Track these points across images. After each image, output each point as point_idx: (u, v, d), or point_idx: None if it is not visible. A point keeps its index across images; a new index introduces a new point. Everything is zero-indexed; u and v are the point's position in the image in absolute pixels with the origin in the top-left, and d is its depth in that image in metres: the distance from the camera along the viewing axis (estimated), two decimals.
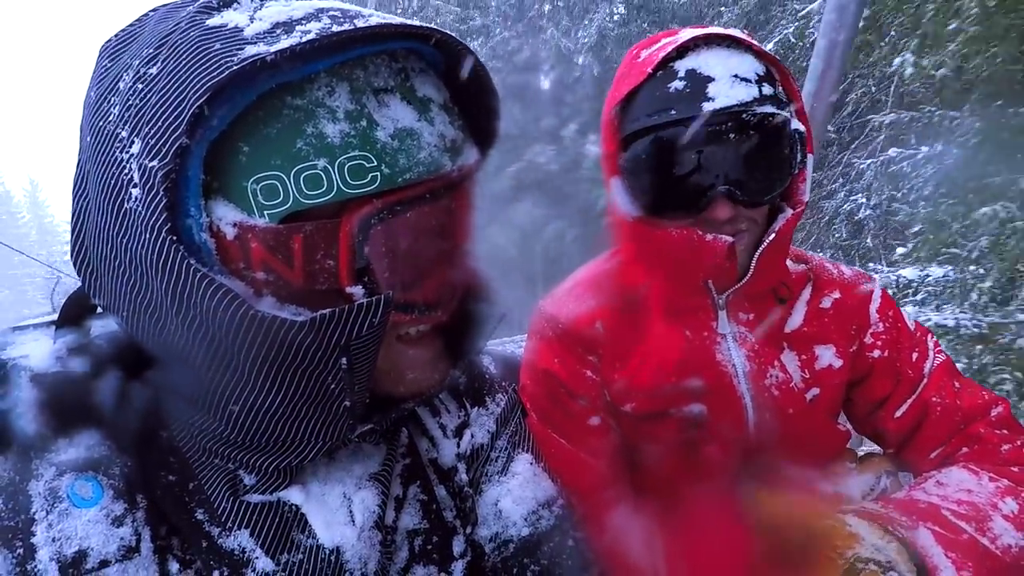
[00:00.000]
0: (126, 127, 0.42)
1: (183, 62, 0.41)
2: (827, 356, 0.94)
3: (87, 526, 0.44)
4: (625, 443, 0.98)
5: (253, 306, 0.42)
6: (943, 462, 0.90)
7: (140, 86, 0.42)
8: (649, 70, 0.81)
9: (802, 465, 0.96)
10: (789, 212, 0.87)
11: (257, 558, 0.49)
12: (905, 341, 0.96)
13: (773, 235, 0.85)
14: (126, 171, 0.42)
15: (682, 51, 0.82)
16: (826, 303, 0.96)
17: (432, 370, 0.54)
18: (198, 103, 0.39)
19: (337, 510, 0.52)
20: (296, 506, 0.51)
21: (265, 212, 0.44)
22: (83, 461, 0.47)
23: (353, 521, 0.52)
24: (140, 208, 0.42)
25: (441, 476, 0.61)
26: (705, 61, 0.80)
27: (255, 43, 0.41)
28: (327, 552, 0.50)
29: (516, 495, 0.65)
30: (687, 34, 0.82)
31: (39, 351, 0.51)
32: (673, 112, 0.80)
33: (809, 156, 0.87)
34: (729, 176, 0.80)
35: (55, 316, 0.55)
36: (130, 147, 0.42)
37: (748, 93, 0.78)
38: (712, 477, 0.94)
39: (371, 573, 0.52)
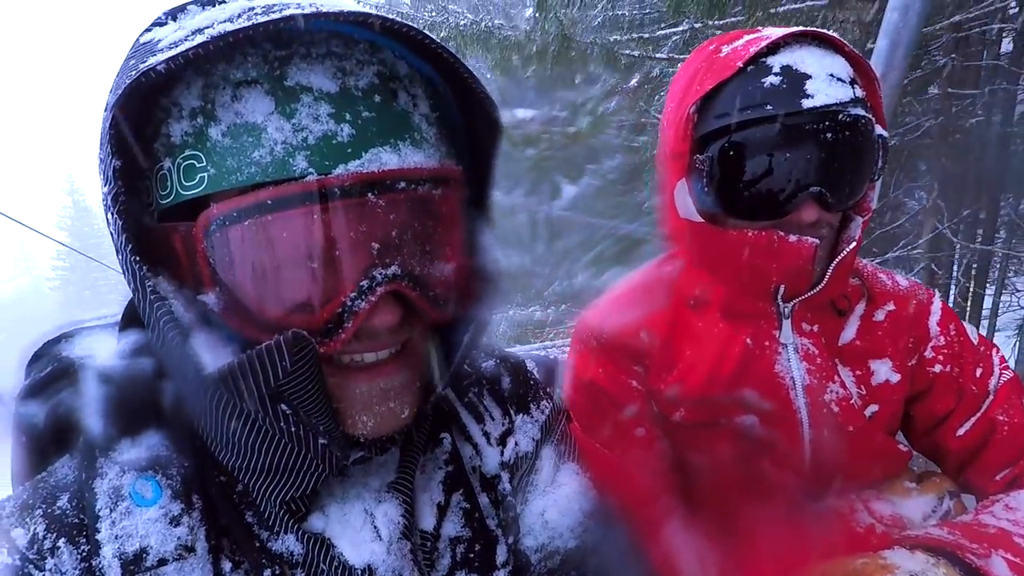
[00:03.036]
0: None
1: (114, 84, 0.43)
2: (883, 371, 0.90)
3: (147, 525, 0.46)
4: (675, 455, 0.96)
5: (186, 341, 0.42)
6: (1010, 484, 0.86)
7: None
8: (739, 64, 0.78)
9: (859, 484, 0.92)
10: (860, 220, 0.84)
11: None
12: (968, 355, 0.91)
13: (854, 243, 0.82)
14: (103, 202, 0.44)
15: (773, 48, 0.79)
16: (880, 316, 0.92)
17: (386, 406, 0.48)
18: (109, 122, 0.41)
19: (361, 528, 0.51)
20: (319, 533, 0.50)
21: (149, 211, 0.45)
22: (144, 461, 0.48)
23: (380, 536, 0.51)
24: (112, 230, 0.44)
25: (484, 484, 0.61)
26: (800, 58, 0.77)
27: (161, 52, 0.41)
28: (359, 572, 0.49)
29: (562, 506, 0.64)
30: (775, 31, 0.80)
31: (104, 350, 0.53)
32: (769, 108, 0.76)
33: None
34: (819, 178, 0.77)
35: (117, 316, 0.57)
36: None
37: (844, 93, 0.76)
38: (765, 493, 0.91)
39: None
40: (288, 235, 0.41)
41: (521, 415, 0.66)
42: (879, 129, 0.79)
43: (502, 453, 0.63)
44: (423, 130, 0.46)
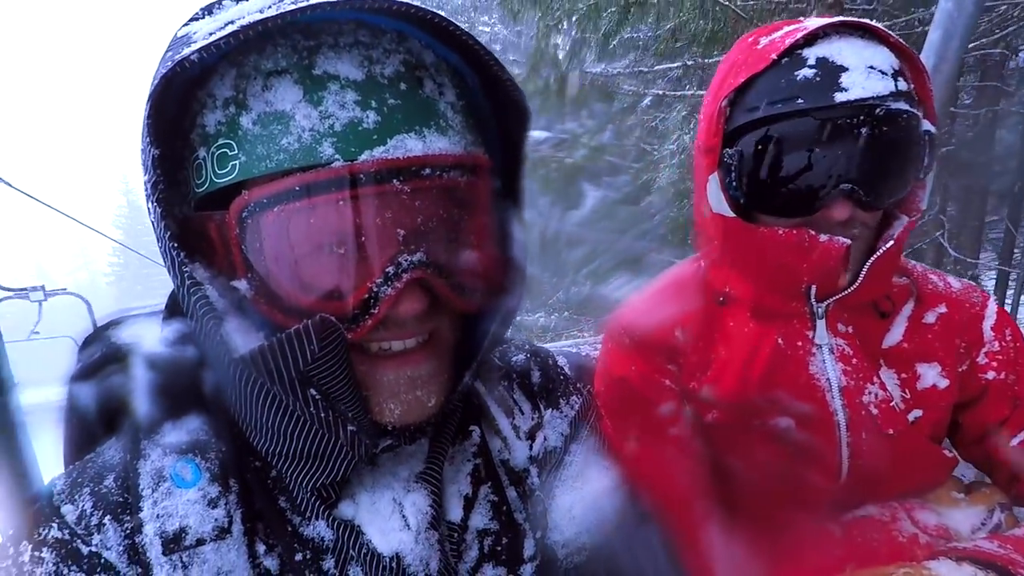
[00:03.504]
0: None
1: (153, 76, 0.44)
2: (931, 375, 0.86)
3: (186, 506, 0.47)
4: (710, 458, 0.94)
5: (221, 326, 0.43)
6: None
7: None
8: (774, 56, 0.76)
9: (902, 492, 0.88)
10: (904, 220, 0.80)
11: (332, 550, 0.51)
12: None
13: (891, 242, 0.79)
14: (144, 192, 0.46)
15: (811, 39, 0.76)
16: (930, 318, 0.88)
17: (414, 395, 0.49)
18: (148, 112, 0.42)
19: (390, 517, 0.52)
20: (349, 520, 0.51)
21: (187, 200, 0.47)
22: (185, 444, 0.50)
23: (408, 525, 0.51)
24: (152, 218, 0.45)
25: (513, 478, 0.61)
26: (838, 49, 0.74)
27: (194, 43, 0.42)
28: (387, 560, 0.50)
29: (591, 502, 0.63)
30: (815, 22, 0.77)
31: (149, 337, 0.55)
32: (801, 102, 0.73)
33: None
34: (853, 175, 0.74)
35: (162, 306, 0.59)
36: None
37: (884, 87, 0.72)
38: (801, 499, 0.88)
39: (434, 573, 0.51)
40: (314, 221, 0.42)
41: (551, 410, 0.66)
42: (926, 124, 0.76)
43: (531, 447, 0.63)
44: (449, 117, 0.46)
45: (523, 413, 0.64)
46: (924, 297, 0.89)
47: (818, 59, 0.74)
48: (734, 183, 0.81)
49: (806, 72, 0.74)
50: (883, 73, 0.73)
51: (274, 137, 0.42)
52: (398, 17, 0.46)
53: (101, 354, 0.56)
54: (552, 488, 0.64)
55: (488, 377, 0.65)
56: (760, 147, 0.77)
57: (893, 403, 0.84)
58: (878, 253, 0.79)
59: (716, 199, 0.83)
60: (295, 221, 0.42)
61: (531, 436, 0.63)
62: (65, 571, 0.45)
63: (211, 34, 0.42)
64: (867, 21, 0.76)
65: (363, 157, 0.41)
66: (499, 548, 0.57)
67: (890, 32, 0.76)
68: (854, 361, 0.85)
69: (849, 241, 0.76)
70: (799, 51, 0.76)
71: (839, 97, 0.72)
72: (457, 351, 0.53)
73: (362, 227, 0.43)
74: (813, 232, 0.77)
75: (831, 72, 0.73)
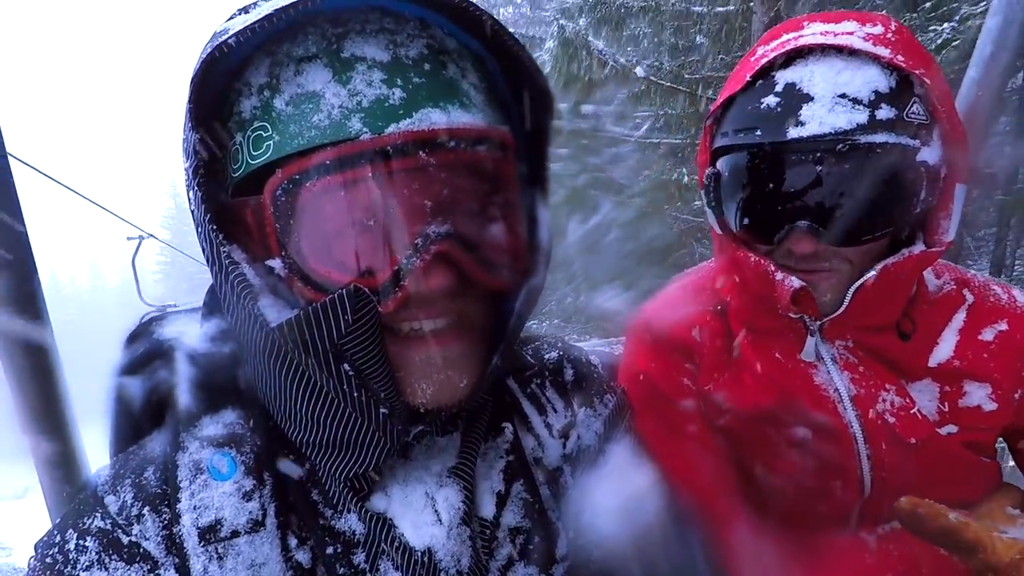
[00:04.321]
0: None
1: (194, 68, 0.46)
2: (978, 395, 0.80)
3: (222, 498, 0.48)
4: (734, 456, 0.91)
5: (256, 301, 0.44)
6: None
7: None
8: (748, 78, 0.73)
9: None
10: (916, 249, 0.74)
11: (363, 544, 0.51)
12: None
13: (873, 276, 0.73)
14: (184, 179, 0.48)
15: (791, 58, 0.72)
16: (987, 335, 0.81)
17: (446, 375, 0.49)
18: (189, 102, 0.44)
19: (423, 511, 0.52)
20: (381, 513, 0.51)
21: (224, 188, 0.48)
22: (221, 437, 0.51)
23: (440, 520, 0.51)
24: (193, 207, 0.46)
25: (546, 476, 0.60)
26: (810, 73, 0.69)
27: (227, 35, 0.44)
28: (419, 554, 0.50)
29: (626, 501, 0.62)
30: (807, 33, 0.72)
31: (190, 333, 0.57)
32: (758, 133, 0.71)
33: (959, 188, 0.73)
34: (812, 210, 0.70)
35: (200, 302, 0.61)
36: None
37: (850, 120, 0.67)
38: (826, 511, 0.84)
39: (465, 569, 0.51)
40: (343, 194, 0.43)
41: (584, 408, 0.65)
42: (924, 154, 0.69)
43: (564, 446, 0.62)
44: (472, 96, 0.48)
45: (556, 411, 0.64)
46: (982, 311, 0.83)
47: (786, 85, 0.71)
48: (712, 202, 0.80)
49: (770, 100, 0.71)
50: (856, 103, 0.67)
51: (305, 115, 0.43)
52: (420, 3, 0.47)
53: (145, 349, 0.58)
54: (587, 487, 0.63)
55: (520, 375, 0.64)
56: (727, 172, 0.76)
57: (914, 410, 0.80)
58: (858, 283, 0.74)
59: (708, 212, 0.83)
60: (325, 195, 0.43)
61: (564, 434, 0.63)
62: (107, 560, 0.46)
63: (247, 25, 0.44)
64: (873, 29, 0.70)
65: (390, 130, 0.43)
66: (531, 547, 0.56)
67: (888, 48, 0.68)
68: (861, 369, 0.81)
69: (798, 284, 0.74)
70: (773, 73, 0.72)
71: (792, 133, 0.68)
72: (486, 335, 0.52)
73: (389, 199, 0.44)
74: (773, 268, 0.75)
75: (793, 102, 0.69)
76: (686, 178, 5.34)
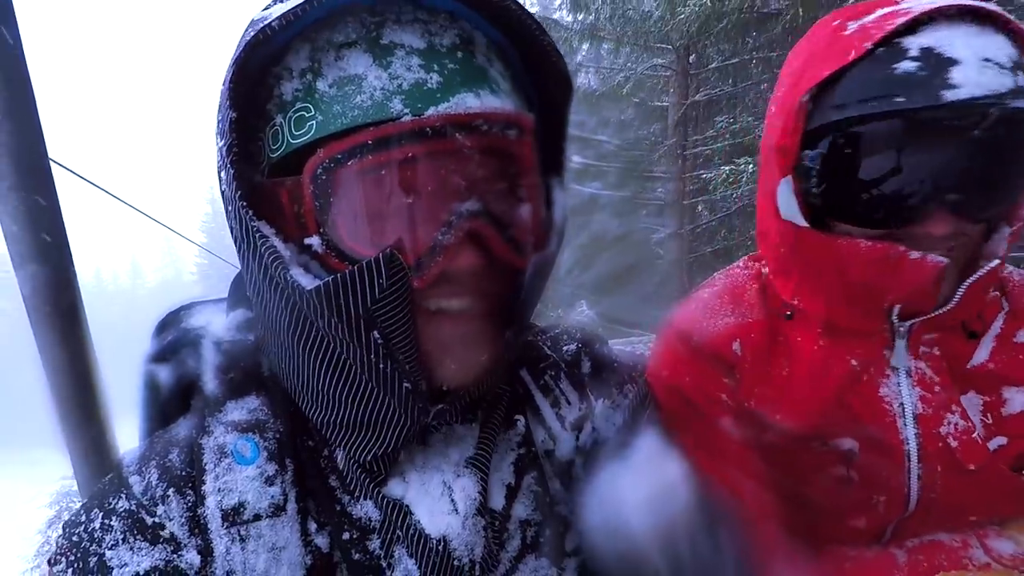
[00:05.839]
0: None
1: (234, 51, 0.48)
2: (1019, 401, 0.76)
3: (245, 482, 0.50)
4: (769, 476, 0.88)
5: (288, 271, 0.45)
6: None
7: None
8: (868, 46, 0.66)
9: (978, 523, 0.80)
10: (1007, 230, 0.71)
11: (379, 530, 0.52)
12: None
13: (996, 260, 0.69)
14: (217, 160, 0.49)
15: (912, 26, 0.66)
16: (1022, 336, 0.78)
17: (469, 353, 0.50)
18: (228, 82, 0.45)
19: (439, 499, 0.52)
20: (399, 499, 0.52)
21: (259, 170, 0.49)
22: (245, 423, 0.52)
23: (456, 509, 0.52)
24: (225, 187, 0.48)
25: (558, 469, 0.60)
26: (947, 39, 0.64)
27: (264, 22, 0.45)
28: (434, 542, 0.50)
29: (650, 494, 0.60)
30: (917, 3, 0.67)
31: (217, 322, 0.59)
32: (900, 99, 0.64)
33: None
34: (958, 184, 0.65)
35: (224, 295, 0.63)
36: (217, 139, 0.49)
37: (1002, 83, 0.62)
38: (855, 523, 0.81)
39: (478, 559, 0.52)
40: (384, 173, 0.45)
41: (602, 400, 0.64)
42: None
43: (577, 438, 0.62)
44: (499, 83, 0.49)
45: (570, 403, 0.63)
46: (1019, 312, 0.79)
47: (922, 50, 0.64)
48: (814, 188, 0.72)
49: (907, 65, 0.64)
50: (1000, 67, 0.63)
51: (348, 96, 0.45)
52: None
53: (173, 338, 0.60)
54: (604, 479, 0.62)
55: (534, 366, 0.64)
56: (848, 150, 0.68)
57: (975, 434, 0.76)
58: (982, 271, 0.69)
59: (787, 205, 0.75)
60: (366, 173, 0.45)
61: (578, 427, 0.62)
62: (131, 540, 0.47)
63: (288, 9, 0.45)
64: (982, 3, 0.66)
65: (429, 112, 0.44)
66: (541, 540, 0.56)
67: (1010, 17, 0.66)
68: (936, 388, 0.77)
69: (946, 260, 0.67)
70: (898, 40, 0.66)
71: (948, 96, 0.62)
72: (504, 312, 0.53)
73: (426, 178, 0.45)
74: (903, 247, 0.67)
75: (938, 66, 0.63)
76: None
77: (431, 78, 0.45)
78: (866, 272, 0.71)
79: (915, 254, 0.67)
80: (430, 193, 0.45)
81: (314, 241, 0.46)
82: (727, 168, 6.69)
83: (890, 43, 0.66)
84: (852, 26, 0.71)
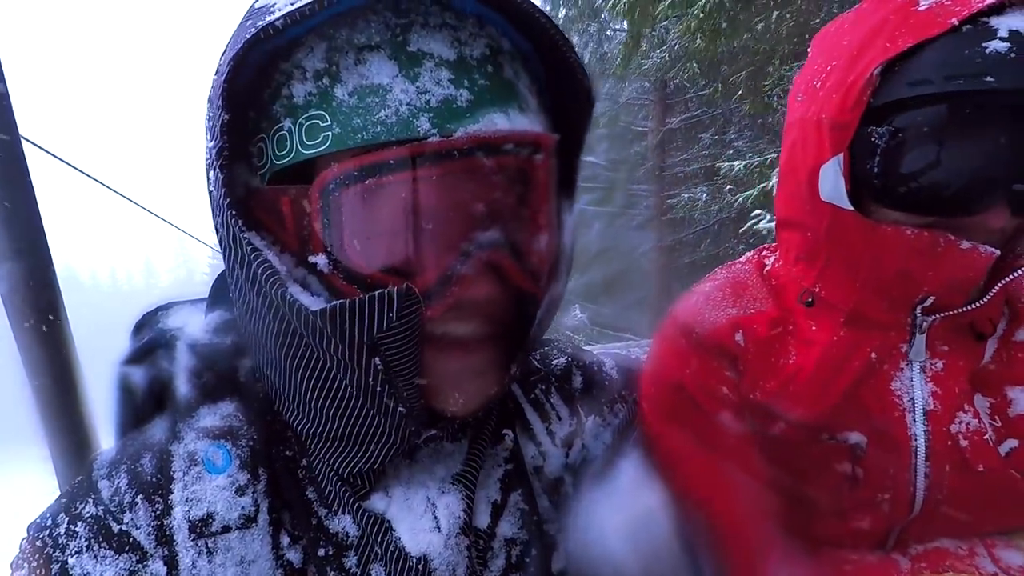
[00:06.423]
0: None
1: (226, 48, 0.44)
2: (1023, 401, 0.74)
3: (215, 491, 0.48)
4: (770, 474, 0.86)
5: (286, 288, 0.42)
6: None
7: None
8: (954, 21, 0.64)
9: (984, 531, 0.77)
10: None
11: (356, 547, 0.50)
12: None
13: None
14: (206, 159, 0.45)
15: (998, 6, 0.63)
16: (1022, 335, 0.76)
17: (477, 386, 0.48)
18: (223, 80, 0.41)
19: (422, 516, 0.50)
20: (380, 514, 0.50)
21: (257, 174, 0.45)
22: (218, 429, 0.50)
23: (439, 527, 0.50)
24: (213, 189, 0.45)
25: (546, 486, 0.58)
26: None
27: (272, 13, 0.41)
28: (414, 561, 0.48)
29: (630, 515, 0.59)
30: None
31: (193, 324, 0.57)
32: (991, 80, 0.60)
33: None
34: None
35: (204, 295, 0.60)
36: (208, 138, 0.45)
37: None
38: (858, 525, 0.79)
39: None
40: (404, 194, 0.41)
41: (592, 416, 0.63)
42: None
43: (567, 455, 0.60)
44: (527, 100, 0.46)
45: (560, 419, 0.61)
46: (1020, 312, 0.77)
47: (1011, 32, 0.61)
48: (876, 168, 0.68)
49: (997, 45, 0.60)
50: None
51: (371, 109, 0.41)
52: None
53: (149, 339, 0.58)
54: (589, 501, 0.60)
55: (525, 380, 0.62)
56: (925, 129, 0.64)
57: (987, 436, 0.73)
58: (1020, 271, 0.67)
59: (832, 186, 0.70)
60: (384, 192, 0.41)
61: (568, 443, 0.60)
62: (96, 547, 0.46)
63: (294, 2, 0.41)
64: None
65: (458, 133, 0.41)
66: (527, 559, 0.54)
67: None
68: (950, 386, 0.74)
69: (998, 252, 0.64)
70: (983, 19, 0.63)
71: None
72: (510, 342, 0.51)
73: (448, 203, 0.42)
74: (953, 237, 0.64)
75: None
76: None
77: (461, 95, 0.42)
78: (907, 260, 0.68)
79: (966, 244, 0.64)
80: (450, 218, 0.43)
81: (320, 260, 0.43)
82: (701, 188, 7.09)
83: (975, 22, 0.63)
84: (925, 2, 0.67)
